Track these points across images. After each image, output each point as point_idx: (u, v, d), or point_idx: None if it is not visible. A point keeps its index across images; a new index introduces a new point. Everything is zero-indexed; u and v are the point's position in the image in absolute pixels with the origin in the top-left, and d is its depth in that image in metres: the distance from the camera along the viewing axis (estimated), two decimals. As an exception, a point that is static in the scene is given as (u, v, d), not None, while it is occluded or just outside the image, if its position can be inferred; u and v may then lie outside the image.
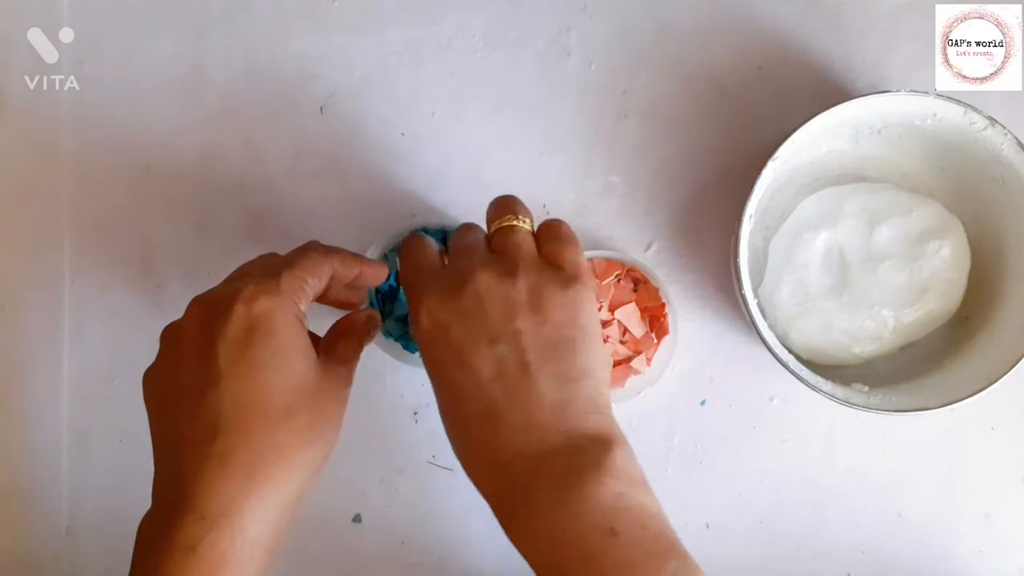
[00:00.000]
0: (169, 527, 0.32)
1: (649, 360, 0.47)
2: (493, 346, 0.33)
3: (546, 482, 0.32)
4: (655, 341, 0.47)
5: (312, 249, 0.38)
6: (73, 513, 0.49)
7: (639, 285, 0.47)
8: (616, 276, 0.46)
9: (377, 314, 0.41)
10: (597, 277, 0.47)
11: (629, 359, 0.46)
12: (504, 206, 0.38)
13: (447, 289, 0.34)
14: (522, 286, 0.34)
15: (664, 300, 0.46)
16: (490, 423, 0.33)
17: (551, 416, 0.33)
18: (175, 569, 0.31)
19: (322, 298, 0.38)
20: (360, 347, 0.39)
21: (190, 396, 0.33)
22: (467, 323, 0.34)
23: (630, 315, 0.46)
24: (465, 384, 0.34)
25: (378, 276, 0.41)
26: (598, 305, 0.45)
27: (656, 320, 0.47)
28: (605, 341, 0.46)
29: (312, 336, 0.37)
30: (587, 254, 0.46)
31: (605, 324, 0.46)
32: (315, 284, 0.36)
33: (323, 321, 0.40)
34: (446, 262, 0.38)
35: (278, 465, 0.33)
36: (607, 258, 0.46)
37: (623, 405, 0.48)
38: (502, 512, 0.33)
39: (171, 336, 0.36)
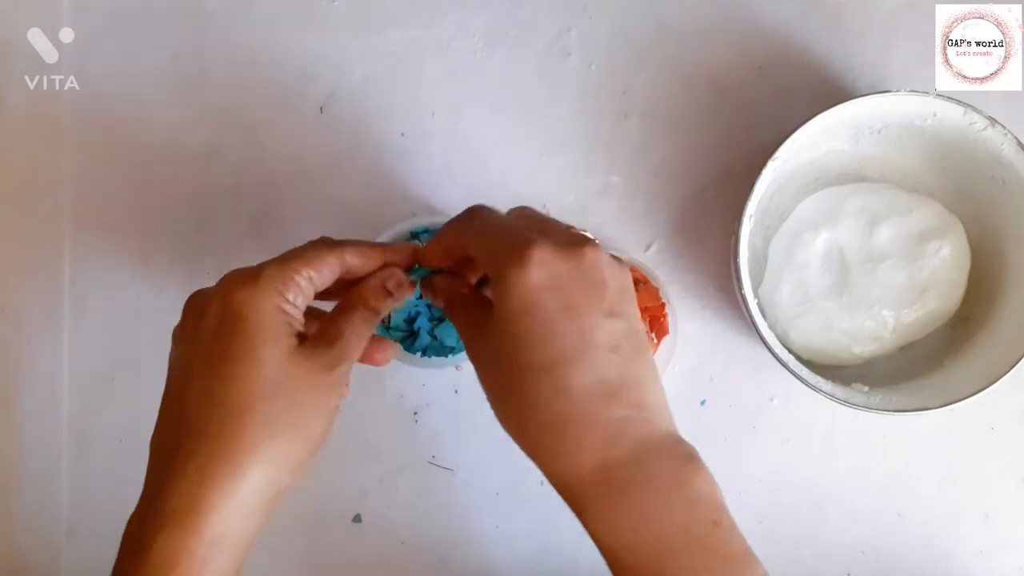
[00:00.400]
0: (132, 525, 0.32)
1: None
2: (610, 320, 0.31)
3: (658, 466, 0.31)
4: (655, 341, 0.47)
5: (317, 241, 0.36)
6: (73, 513, 0.49)
7: (639, 285, 0.47)
8: None
9: (395, 272, 0.36)
10: None
11: None
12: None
13: (562, 246, 0.31)
14: (628, 276, 0.33)
15: (664, 300, 0.46)
16: (600, 394, 0.31)
17: (658, 402, 0.32)
18: (130, 569, 0.30)
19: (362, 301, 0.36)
20: (368, 319, 0.35)
21: (168, 390, 0.33)
22: (585, 287, 0.31)
23: None
24: (577, 346, 0.31)
25: (406, 263, 0.38)
26: None
27: (656, 320, 0.47)
28: None
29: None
30: None
31: None
32: (315, 277, 0.34)
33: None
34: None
35: (236, 461, 0.31)
36: None
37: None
38: (599, 490, 0.31)
39: (173, 333, 0.35)
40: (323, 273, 0.35)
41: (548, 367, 0.31)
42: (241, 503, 0.31)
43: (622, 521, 0.31)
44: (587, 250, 0.32)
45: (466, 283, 0.37)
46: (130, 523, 0.32)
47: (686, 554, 0.30)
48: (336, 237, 0.47)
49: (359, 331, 0.35)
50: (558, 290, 0.31)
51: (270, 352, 0.32)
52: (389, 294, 0.36)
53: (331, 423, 0.34)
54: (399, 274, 0.36)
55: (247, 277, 0.33)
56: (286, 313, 0.33)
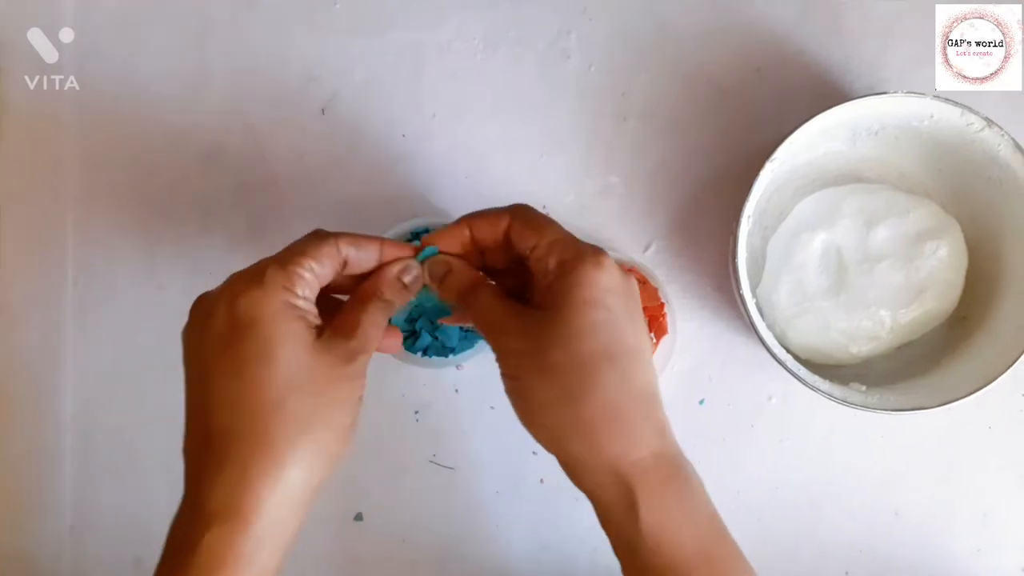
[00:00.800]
0: (176, 530, 0.32)
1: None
2: (647, 333, 0.36)
3: (691, 470, 0.34)
4: (654, 340, 0.47)
5: (313, 234, 0.36)
6: (76, 512, 0.49)
7: (638, 285, 0.47)
8: None
9: (412, 265, 0.36)
10: None
11: None
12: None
13: (613, 262, 0.35)
14: None
15: (663, 300, 0.46)
16: (650, 394, 0.34)
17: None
18: (177, 569, 0.31)
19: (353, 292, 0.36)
20: (383, 310, 0.36)
21: (190, 398, 0.33)
22: (633, 300, 0.35)
23: None
24: (637, 347, 0.34)
25: (402, 255, 0.37)
26: None
27: (655, 320, 0.47)
28: None
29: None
30: None
31: None
32: (316, 268, 0.34)
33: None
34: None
35: (273, 460, 0.32)
36: None
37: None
38: (654, 475, 0.33)
39: (183, 338, 0.35)
40: (324, 264, 0.35)
41: (615, 357, 0.33)
42: (281, 500, 0.32)
43: (672, 509, 0.33)
44: (629, 272, 0.35)
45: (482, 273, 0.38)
46: (173, 528, 0.33)
47: (721, 543, 0.34)
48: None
49: (376, 321, 0.35)
50: (621, 295, 0.34)
51: (290, 350, 0.33)
52: (404, 287, 0.36)
53: (357, 415, 0.34)
54: (416, 267, 0.37)
55: (251, 279, 0.33)
56: (297, 308, 0.33)
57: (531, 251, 0.35)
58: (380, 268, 0.36)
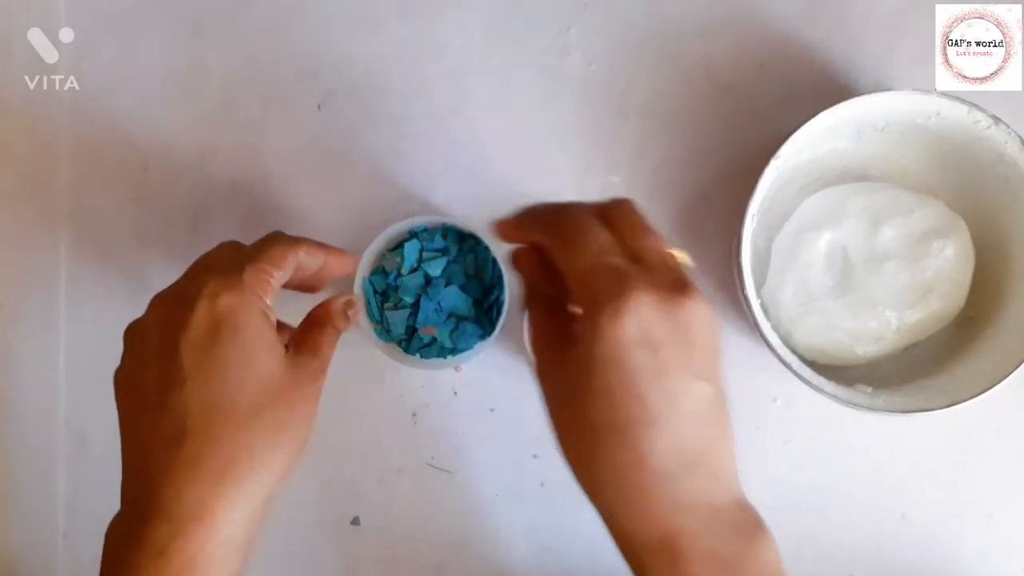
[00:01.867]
0: (138, 531, 0.32)
1: None
2: (697, 383, 0.29)
3: (725, 536, 0.30)
4: None
5: (276, 239, 0.37)
6: (70, 516, 0.48)
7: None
8: None
9: (356, 297, 0.40)
10: None
11: None
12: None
13: (662, 293, 0.29)
14: (720, 331, 0.31)
15: None
16: (676, 462, 0.29)
17: (730, 468, 0.31)
18: (144, 574, 0.31)
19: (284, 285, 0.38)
20: (335, 336, 0.37)
21: (154, 397, 0.33)
22: (677, 345, 0.29)
23: None
24: (660, 410, 0.29)
25: (343, 267, 0.40)
26: None
27: None
28: None
29: (282, 327, 0.37)
30: None
31: None
32: (280, 276, 0.36)
33: (291, 308, 0.39)
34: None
35: (248, 466, 0.32)
36: None
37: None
38: (663, 556, 0.29)
39: (134, 335, 0.35)
40: (286, 271, 0.36)
41: (626, 427, 0.29)
42: (249, 506, 0.32)
43: None
44: (686, 302, 0.29)
45: (548, 283, 0.34)
46: (119, 527, 0.33)
47: None
48: (334, 236, 0.47)
49: (333, 344, 0.37)
50: (649, 346, 0.29)
51: (268, 360, 0.33)
52: (347, 318, 0.39)
53: (311, 432, 0.35)
54: (357, 303, 0.39)
55: (231, 283, 0.34)
56: (268, 318, 0.34)
57: (565, 277, 0.31)
58: (325, 303, 0.38)
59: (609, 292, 0.29)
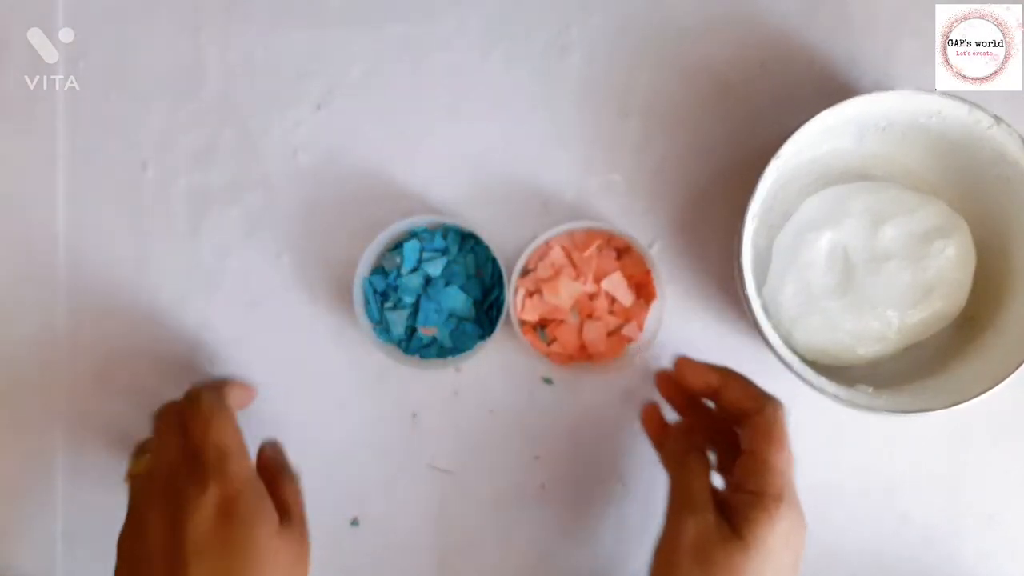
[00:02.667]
0: None
1: (640, 325, 0.46)
2: None
3: None
4: (645, 305, 0.46)
5: (213, 406, 0.40)
6: (68, 522, 0.48)
7: (622, 253, 0.46)
8: (597, 246, 0.46)
9: (276, 443, 0.44)
10: (578, 249, 0.46)
11: (620, 327, 0.46)
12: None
13: (798, 504, 0.38)
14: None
15: (649, 266, 0.46)
16: None
17: None
18: None
19: None
20: (292, 483, 0.42)
21: (171, 553, 0.36)
22: (802, 547, 0.38)
23: (617, 284, 0.46)
24: None
25: (244, 399, 0.45)
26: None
27: (643, 287, 0.46)
28: (593, 315, 0.46)
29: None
30: (564, 226, 0.45)
31: (592, 296, 0.46)
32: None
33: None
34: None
35: None
36: (587, 228, 0.46)
37: (625, 401, 0.47)
38: None
39: (139, 495, 0.39)
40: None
41: None
42: None
43: None
44: (804, 520, 0.38)
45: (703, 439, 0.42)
46: None
47: None
48: (333, 236, 0.47)
49: (298, 492, 0.42)
50: (793, 548, 0.37)
51: (270, 540, 0.37)
52: (289, 464, 0.44)
53: None
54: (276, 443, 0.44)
55: (246, 475, 0.38)
56: (267, 498, 0.39)
57: (747, 454, 0.39)
58: (263, 459, 0.43)
59: (778, 494, 0.37)
